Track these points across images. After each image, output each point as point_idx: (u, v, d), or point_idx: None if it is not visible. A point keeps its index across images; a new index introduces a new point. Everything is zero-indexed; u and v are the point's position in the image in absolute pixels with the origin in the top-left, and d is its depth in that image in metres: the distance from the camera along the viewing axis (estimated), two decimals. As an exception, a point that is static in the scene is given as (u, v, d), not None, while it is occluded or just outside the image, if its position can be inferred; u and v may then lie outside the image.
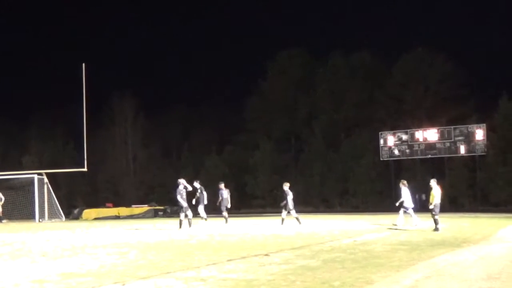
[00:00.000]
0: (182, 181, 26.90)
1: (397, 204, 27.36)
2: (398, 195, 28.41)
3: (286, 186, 28.77)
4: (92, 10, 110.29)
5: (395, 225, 26.29)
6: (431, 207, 23.56)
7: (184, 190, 26.62)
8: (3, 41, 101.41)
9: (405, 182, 27.81)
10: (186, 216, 26.49)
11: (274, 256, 13.67)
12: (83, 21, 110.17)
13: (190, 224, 26.61)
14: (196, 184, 30.73)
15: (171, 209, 50.46)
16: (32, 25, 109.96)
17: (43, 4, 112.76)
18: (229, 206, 30.94)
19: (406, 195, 27.07)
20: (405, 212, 26.80)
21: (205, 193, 31.28)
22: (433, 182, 24.06)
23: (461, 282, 9.89)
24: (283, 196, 28.95)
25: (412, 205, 27.03)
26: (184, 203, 26.37)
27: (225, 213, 30.83)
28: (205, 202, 31.13)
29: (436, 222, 23.06)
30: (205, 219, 30.61)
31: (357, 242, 17.67)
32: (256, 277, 10.51)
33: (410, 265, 11.97)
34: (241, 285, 9.68)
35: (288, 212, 28.27)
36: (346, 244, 17.07)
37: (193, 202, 30.37)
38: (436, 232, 22.07)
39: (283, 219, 28.45)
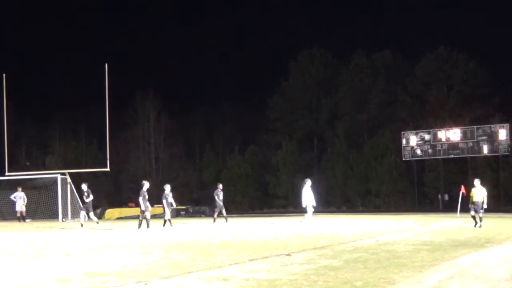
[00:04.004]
0: (146, 184, 27.45)
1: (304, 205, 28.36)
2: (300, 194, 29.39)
3: (168, 188, 29.38)
4: (115, 9, 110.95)
5: (312, 224, 27.26)
6: (485, 206, 24.89)
7: (146, 192, 27.09)
8: (26, 40, 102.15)
9: (308, 180, 28.79)
10: (145, 217, 26.90)
11: (296, 256, 13.68)
12: (106, 21, 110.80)
13: (148, 225, 26.91)
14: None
15: (193, 208, 50.69)
16: (54, 25, 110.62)
17: (66, 3, 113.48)
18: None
19: (307, 193, 27.81)
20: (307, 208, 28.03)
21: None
22: (476, 182, 24.92)
23: (485, 282, 9.84)
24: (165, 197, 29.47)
25: (314, 204, 28.25)
26: (143, 206, 26.73)
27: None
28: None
29: (480, 219, 24.43)
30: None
31: (379, 242, 17.63)
32: (278, 277, 10.53)
33: (432, 266, 11.93)
34: (263, 284, 9.70)
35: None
36: (368, 244, 17.04)
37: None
38: (479, 229, 23.24)
39: (169, 220, 29.06)
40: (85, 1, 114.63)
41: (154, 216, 45.25)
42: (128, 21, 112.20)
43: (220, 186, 32.82)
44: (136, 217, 45.56)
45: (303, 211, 29.30)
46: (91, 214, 29.76)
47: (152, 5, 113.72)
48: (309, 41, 79.01)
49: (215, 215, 31.99)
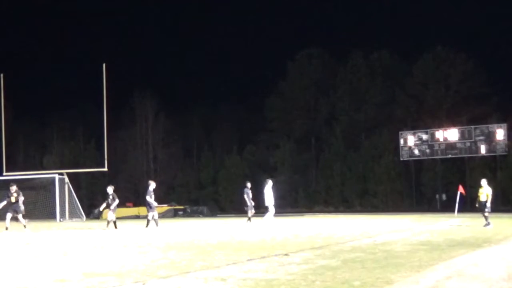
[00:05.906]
0: (152, 183, 27.38)
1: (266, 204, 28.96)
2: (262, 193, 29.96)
3: (111, 190, 28.72)
4: (113, 9, 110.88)
5: (272, 225, 27.69)
6: (488, 205, 25.52)
7: (153, 192, 27.03)
8: (25, 41, 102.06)
9: (269, 181, 29.57)
10: (153, 216, 27.00)
11: (294, 256, 13.66)
12: (104, 20, 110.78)
13: (155, 224, 26.93)
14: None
15: (191, 208, 50.70)
16: (53, 25, 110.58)
17: (64, 3, 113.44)
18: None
19: (268, 193, 28.59)
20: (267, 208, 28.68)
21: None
22: (483, 182, 25.91)
23: (482, 282, 9.84)
24: (111, 199, 28.85)
25: (273, 203, 28.91)
26: (153, 204, 26.77)
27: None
28: None
29: (486, 218, 25.06)
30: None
31: (377, 242, 17.62)
32: (276, 277, 10.52)
33: (430, 265, 11.92)
34: (261, 284, 9.69)
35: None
36: (366, 244, 17.03)
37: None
38: (487, 228, 23.74)
39: (114, 222, 28.45)
40: (84, 1, 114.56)
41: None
42: (126, 21, 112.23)
43: (249, 184, 31.76)
44: (135, 217, 45.85)
45: (266, 211, 29.32)
46: (20, 216, 28.50)
47: (151, 5, 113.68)
48: (307, 41, 79.17)
49: (250, 214, 31.04)
